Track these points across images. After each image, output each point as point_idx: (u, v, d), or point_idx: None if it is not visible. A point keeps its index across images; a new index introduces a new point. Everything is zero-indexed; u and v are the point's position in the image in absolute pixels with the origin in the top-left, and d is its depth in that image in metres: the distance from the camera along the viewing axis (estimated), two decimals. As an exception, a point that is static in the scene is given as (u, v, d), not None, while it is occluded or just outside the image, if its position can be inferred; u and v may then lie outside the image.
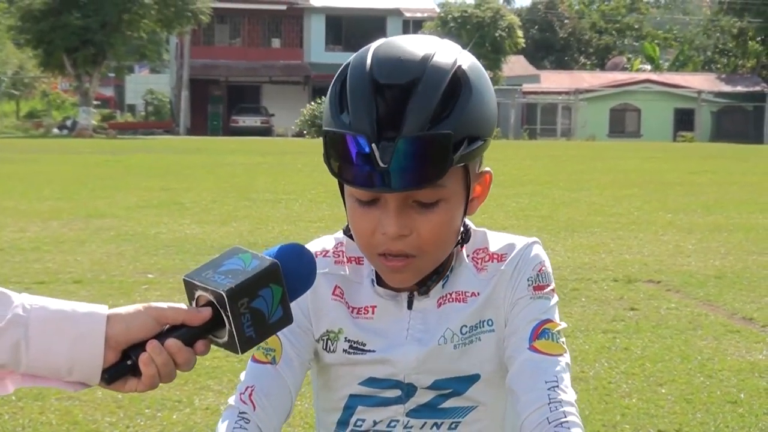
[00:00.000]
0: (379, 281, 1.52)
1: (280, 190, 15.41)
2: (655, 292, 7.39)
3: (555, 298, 1.52)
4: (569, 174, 19.81)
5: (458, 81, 1.39)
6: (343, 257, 1.55)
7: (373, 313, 1.52)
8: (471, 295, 1.51)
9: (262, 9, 52.11)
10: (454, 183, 1.42)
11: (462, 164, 1.40)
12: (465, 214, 1.49)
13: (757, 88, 51.98)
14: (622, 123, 50.53)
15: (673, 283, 7.72)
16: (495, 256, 1.53)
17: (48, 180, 16.77)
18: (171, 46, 57.45)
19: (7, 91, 62.20)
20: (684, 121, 49.93)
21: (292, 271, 1.31)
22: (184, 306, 1.29)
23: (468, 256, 1.53)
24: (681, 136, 47.25)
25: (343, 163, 1.36)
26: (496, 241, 1.55)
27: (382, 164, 1.33)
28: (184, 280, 1.29)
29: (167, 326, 1.28)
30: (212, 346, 1.32)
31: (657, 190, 16.06)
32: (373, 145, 1.33)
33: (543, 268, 1.52)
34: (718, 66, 58.61)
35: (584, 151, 31.18)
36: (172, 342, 1.26)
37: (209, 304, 1.28)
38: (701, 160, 25.30)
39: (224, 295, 1.24)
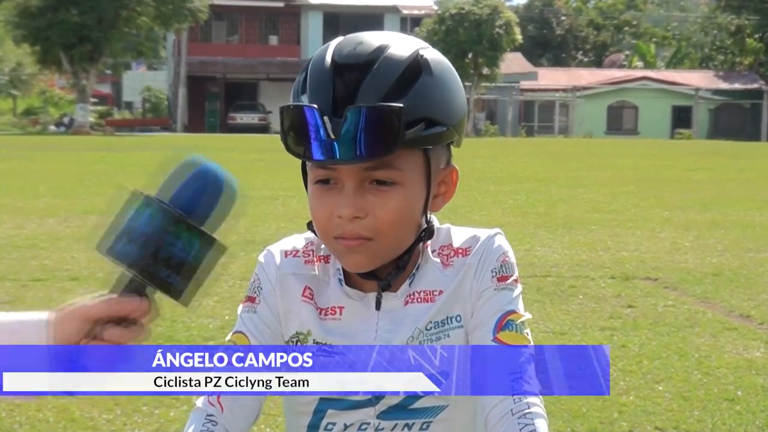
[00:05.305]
0: (348, 281, 1.51)
1: (278, 186, 15.39)
2: (652, 289, 7.39)
3: (519, 289, 1.51)
4: (567, 171, 19.81)
5: (419, 65, 1.40)
6: (312, 257, 1.54)
7: (340, 313, 1.51)
8: (438, 293, 1.50)
9: (260, 6, 52.06)
10: (413, 169, 1.41)
11: (419, 148, 1.41)
12: (427, 208, 1.47)
13: (755, 86, 52.01)
14: (620, 120, 50.55)
15: (670, 280, 7.72)
16: (460, 251, 1.52)
17: (45, 177, 16.75)
18: (168, 43, 57.43)
19: (5, 90, 62.12)
20: (681, 118, 49.97)
21: (197, 193, 1.25)
22: (108, 296, 1.30)
23: (434, 251, 1.52)
24: (678, 133, 47.29)
25: (297, 136, 1.37)
26: (460, 235, 1.54)
27: (332, 135, 1.34)
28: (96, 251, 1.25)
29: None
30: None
31: (654, 188, 16.07)
32: (325, 117, 1.34)
33: (506, 258, 1.51)
34: (716, 63, 58.63)
35: (582, 148, 31.20)
36: (112, 332, 1.27)
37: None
38: (698, 158, 25.32)
39: (133, 272, 1.23)
